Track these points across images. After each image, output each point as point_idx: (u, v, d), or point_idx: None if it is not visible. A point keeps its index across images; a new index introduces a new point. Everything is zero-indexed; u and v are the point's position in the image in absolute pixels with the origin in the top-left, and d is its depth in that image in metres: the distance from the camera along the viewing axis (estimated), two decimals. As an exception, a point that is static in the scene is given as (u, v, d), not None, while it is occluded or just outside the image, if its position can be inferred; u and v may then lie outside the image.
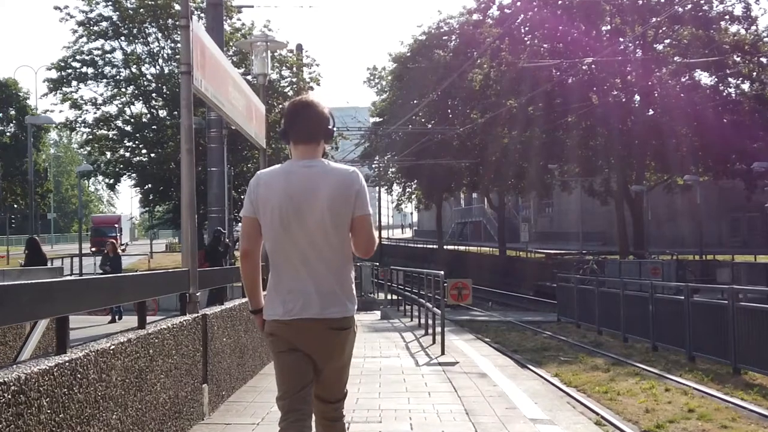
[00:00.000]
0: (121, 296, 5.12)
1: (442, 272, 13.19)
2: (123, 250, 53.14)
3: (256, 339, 9.14)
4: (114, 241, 18.34)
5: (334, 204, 3.56)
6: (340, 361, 3.70)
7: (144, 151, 38.78)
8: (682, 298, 14.48)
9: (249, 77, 19.40)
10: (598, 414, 8.79)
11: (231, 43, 32.15)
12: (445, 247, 61.30)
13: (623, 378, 11.68)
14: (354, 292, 3.71)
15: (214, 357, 6.97)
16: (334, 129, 3.82)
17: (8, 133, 62.31)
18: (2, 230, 50.86)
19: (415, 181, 58.37)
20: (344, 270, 3.65)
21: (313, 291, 3.56)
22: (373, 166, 59.93)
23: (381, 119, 58.31)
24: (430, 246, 64.53)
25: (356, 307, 3.72)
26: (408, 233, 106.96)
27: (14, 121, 62.29)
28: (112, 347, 4.38)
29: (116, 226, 59.06)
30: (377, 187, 64.58)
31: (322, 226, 3.56)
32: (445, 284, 12.80)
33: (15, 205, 59.08)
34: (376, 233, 3.79)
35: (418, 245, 72.07)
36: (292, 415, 3.59)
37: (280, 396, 3.65)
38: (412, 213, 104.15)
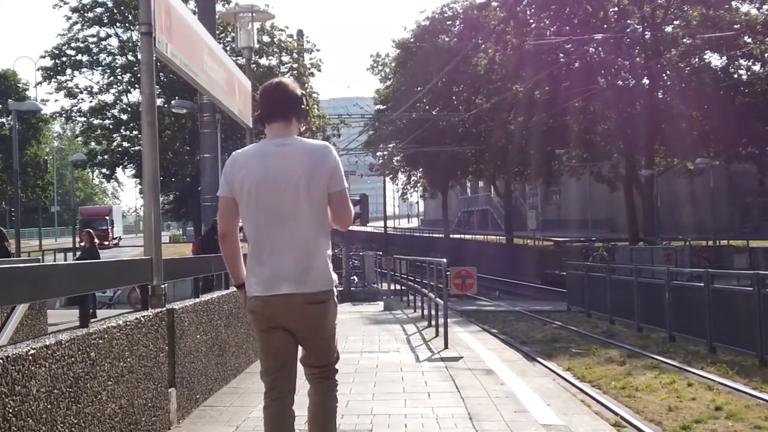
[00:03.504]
0: (49, 289, 4.29)
1: (445, 260, 12.40)
2: (116, 244, 52.13)
3: (240, 334, 8.34)
4: (90, 231, 17.39)
5: (310, 182, 3.64)
6: (321, 333, 3.77)
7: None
8: (702, 285, 13.62)
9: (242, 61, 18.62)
10: (617, 414, 7.95)
11: (229, 29, 31.26)
12: (451, 236, 60.45)
13: (641, 371, 10.84)
14: (331, 266, 3.78)
15: (185, 357, 6.18)
16: (307, 108, 3.84)
17: (7, 125, 61.50)
18: (2, 223, 50.17)
19: (420, 169, 57.50)
20: (321, 246, 3.73)
21: (291, 267, 3.64)
22: (378, 154, 59.06)
23: (385, 107, 57.36)
24: (436, 235, 63.64)
25: (335, 281, 3.78)
26: (414, 223, 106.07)
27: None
28: (32, 352, 3.58)
29: (107, 218, 56.22)
30: (382, 176, 63.65)
31: (298, 203, 3.64)
32: (448, 273, 11.98)
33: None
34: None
35: (424, 234, 71.24)
36: (274, 392, 3.76)
37: (263, 372, 3.80)
38: (417, 202, 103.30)
